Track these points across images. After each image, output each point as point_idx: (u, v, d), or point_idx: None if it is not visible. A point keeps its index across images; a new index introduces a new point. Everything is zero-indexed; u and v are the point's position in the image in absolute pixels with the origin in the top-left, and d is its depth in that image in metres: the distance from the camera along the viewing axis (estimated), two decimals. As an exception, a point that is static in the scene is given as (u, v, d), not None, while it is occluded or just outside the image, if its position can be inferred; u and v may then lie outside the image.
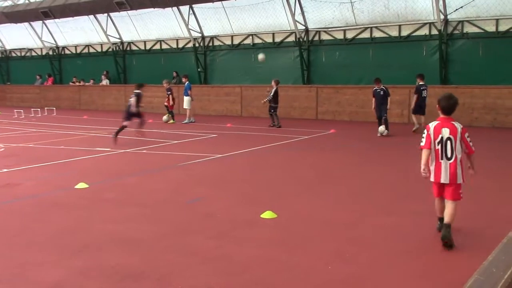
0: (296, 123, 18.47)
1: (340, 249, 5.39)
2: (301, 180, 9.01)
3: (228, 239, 5.78)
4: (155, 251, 5.43)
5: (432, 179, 5.60)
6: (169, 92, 19.39)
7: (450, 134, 5.44)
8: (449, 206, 5.50)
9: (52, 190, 8.40)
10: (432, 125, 5.59)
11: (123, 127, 14.15)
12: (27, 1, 27.44)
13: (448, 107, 5.56)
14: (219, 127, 17.61)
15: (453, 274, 4.67)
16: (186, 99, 19.57)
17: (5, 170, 10.24)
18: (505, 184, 8.51)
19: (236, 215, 6.77)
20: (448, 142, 5.43)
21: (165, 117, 19.61)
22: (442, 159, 5.47)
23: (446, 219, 5.44)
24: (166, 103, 19.75)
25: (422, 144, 5.59)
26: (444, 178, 5.48)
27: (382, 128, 14.72)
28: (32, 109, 25.80)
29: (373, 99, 15.17)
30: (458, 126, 5.50)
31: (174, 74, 24.74)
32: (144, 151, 12.54)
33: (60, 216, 6.86)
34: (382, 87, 14.92)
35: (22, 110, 24.72)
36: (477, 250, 5.18)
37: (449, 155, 5.44)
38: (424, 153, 5.56)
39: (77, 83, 28.74)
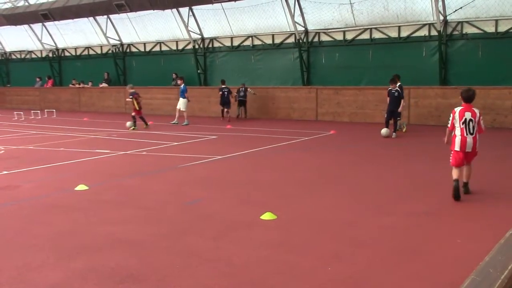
0: (296, 125, 18.48)
1: (340, 250, 5.39)
2: (301, 181, 9.01)
3: (228, 240, 5.79)
4: (155, 252, 5.44)
5: (457, 149, 7.46)
6: (131, 96, 18.06)
7: (471, 116, 7.41)
8: (467, 169, 7.63)
9: (52, 192, 8.41)
10: (457, 110, 7.53)
11: (225, 110, 20.58)
12: (26, 3, 27.47)
13: (468, 97, 7.52)
14: (218, 129, 17.62)
15: (451, 274, 4.67)
16: (182, 101, 19.42)
17: (5, 172, 10.25)
18: (505, 184, 8.51)
19: (236, 216, 6.78)
20: (470, 122, 7.39)
21: (128, 123, 18.22)
22: (466, 134, 7.41)
23: (465, 179, 7.64)
24: (133, 113, 18.21)
25: (449, 125, 7.61)
26: (468, 148, 7.44)
27: (384, 130, 14.61)
28: (32, 111, 25.82)
29: (388, 99, 14.93)
30: (477, 111, 7.50)
31: (174, 75, 24.76)
32: (144, 152, 12.55)
33: (59, 218, 6.87)
34: (397, 88, 14.64)
35: (22, 112, 24.74)
36: (475, 251, 5.18)
37: (471, 131, 7.40)
38: (448, 132, 7.66)
39: (77, 85, 28.77)
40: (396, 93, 14.62)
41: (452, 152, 7.56)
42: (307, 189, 8.42)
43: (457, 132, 7.47)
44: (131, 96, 18.19)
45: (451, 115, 7.57)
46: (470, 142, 7.41)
